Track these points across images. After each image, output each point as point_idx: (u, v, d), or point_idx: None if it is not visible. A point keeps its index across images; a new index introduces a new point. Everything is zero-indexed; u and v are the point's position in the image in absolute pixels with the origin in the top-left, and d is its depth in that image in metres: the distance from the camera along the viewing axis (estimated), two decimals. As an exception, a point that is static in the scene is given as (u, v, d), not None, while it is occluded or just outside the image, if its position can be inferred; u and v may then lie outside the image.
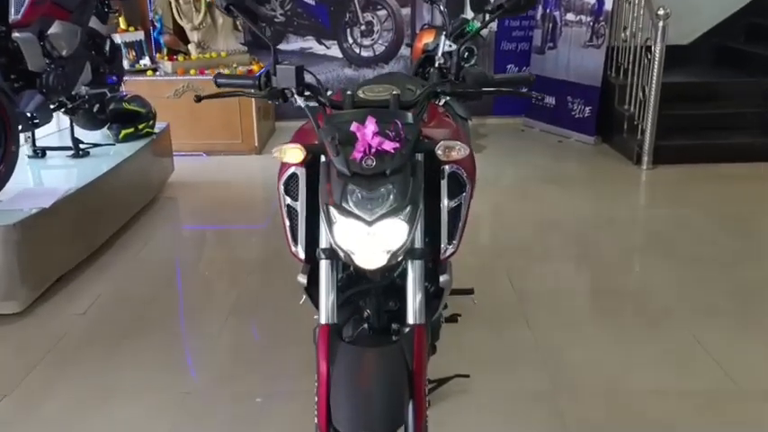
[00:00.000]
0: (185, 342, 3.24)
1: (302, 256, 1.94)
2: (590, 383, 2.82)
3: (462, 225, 1.93)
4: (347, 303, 1.95)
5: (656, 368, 2.93)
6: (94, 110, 4.63)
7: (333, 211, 1.70)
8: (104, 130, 4.82)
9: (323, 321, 1.79)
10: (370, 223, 1.66)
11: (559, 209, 4.89)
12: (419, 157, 1.82)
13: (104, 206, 4.19)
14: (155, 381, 2.89)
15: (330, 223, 1.71)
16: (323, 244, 1.82)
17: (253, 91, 1.96)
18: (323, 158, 1.81)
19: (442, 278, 1.95)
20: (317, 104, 1.93)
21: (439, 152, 1.77)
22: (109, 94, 4.60)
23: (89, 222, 4.01)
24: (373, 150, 1.68)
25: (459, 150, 1.77)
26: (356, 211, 1.67)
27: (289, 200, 1.94)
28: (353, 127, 1.69)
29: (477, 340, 3.09)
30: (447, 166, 1.86)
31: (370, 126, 1.68)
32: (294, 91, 1.89)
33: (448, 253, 1.92)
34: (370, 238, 1.68)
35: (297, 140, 1.94)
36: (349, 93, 1.91)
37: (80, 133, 4.60)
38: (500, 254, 4.11)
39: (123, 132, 4.76)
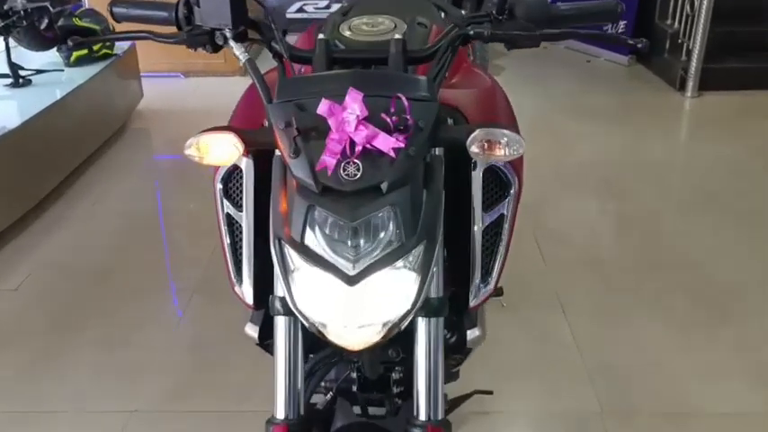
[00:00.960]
0: (136, 336, 2.58)
1: (249, 300, 1.26)
2: (648, 401, 2.21)
3: (505, 250, 1.24)
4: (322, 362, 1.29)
5: (733, 378, 2.30)
6: (41, 27, 3.85)
7: (289, 252, 1.01)
8: (54, 52, 4.05)
9: (278, 416, 1.13)
10: (352, 279, 0.98)
11: (589, 150, 4.17)
12: (437, 151, 1.10)
13: (50, 147, 3.56)
14: (93, 395, 2.30)
15: (285, 271, 1.02)
16: (279, 289, 1.13)
17: (167, 36, 1.25)
18: (277, 152, 1.10)
19: (469, 333, 1.28)
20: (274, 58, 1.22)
21: (474, 149, 1.05)
22: (53, 9, 3.81)
23: (30, 169, 3.36)
24: (358, 149, 0.97)
25: (510, 146, 1.05)
26: (328, 257, 0.99)
27: (229, 207, 1.25)
28: (322, 108, 0.97)
29: (501, 337, 2.43)
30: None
31: (354, 105, 0.97)
32: (228, 33, 1.17)
33: (482, 296, 1.24)
34: (353, 302, 0.99)
35: (240, 118, 1.23)
36: (322, 37, 1.19)
37: (21, 58, 3.87)
38: (522, 210, 3.40)
39: (75, 55, 4.02)
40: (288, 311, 1.10)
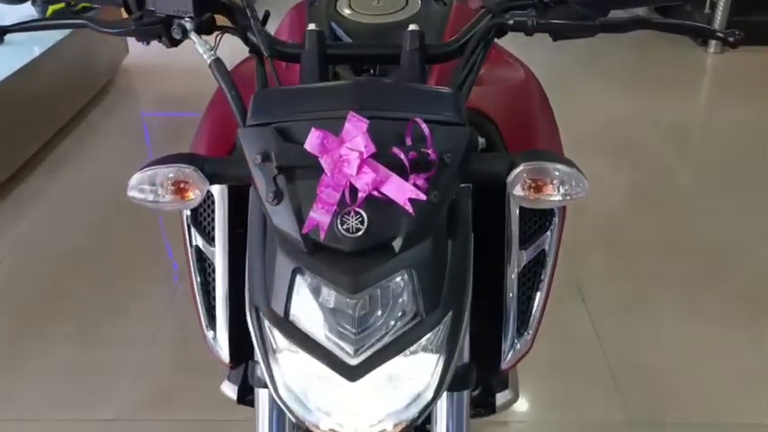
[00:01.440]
0: (115, 331, 2.35)
1: (225, 356, 1.02)
2: (680, 410, 1.99)
3: (545, 296, 0.99)
4: None
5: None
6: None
7: (269, 329, 0.76)
8: (29, 6, 3.72)
9: None
10: (354, 372, 0.74)
11: (606, 111, 3.88)
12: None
13: (25, 111, 3.28)
14: (66, 401, 2.07)
15: (265, 351, 0.78)
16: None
17: (110, 26, 0.99)
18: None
19: (499, 397, 1.04)
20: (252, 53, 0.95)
21: (518, 192, 0.79)
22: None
23: (2, 136, 3.08)
24: (362, 196, 0.71)
25: (566, 185, 0.78)
26: (322, 339, 0.75)
27: (198, 239, 1.00)
28: (312, 143, 0.71)
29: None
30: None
31: (357, 139, 0.71)
32: (189, 25, 0.92)
33: (516, 356, 1.00)
34: (354, 400, 0.75)
35: (205, 140, 0.98)
36: (313, 28, 0.92)
37: (-7, 12, 3.52)
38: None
39: (51, 9, 3.65)
40: None
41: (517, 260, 0.98)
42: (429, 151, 0.72)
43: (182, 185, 0.78)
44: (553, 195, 0.77)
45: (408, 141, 0.73)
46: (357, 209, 0.72)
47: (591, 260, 2.62)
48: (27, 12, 3.45)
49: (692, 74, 4.43)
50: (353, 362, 0.74)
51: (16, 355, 2.22)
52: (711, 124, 3.89)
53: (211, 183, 0.80)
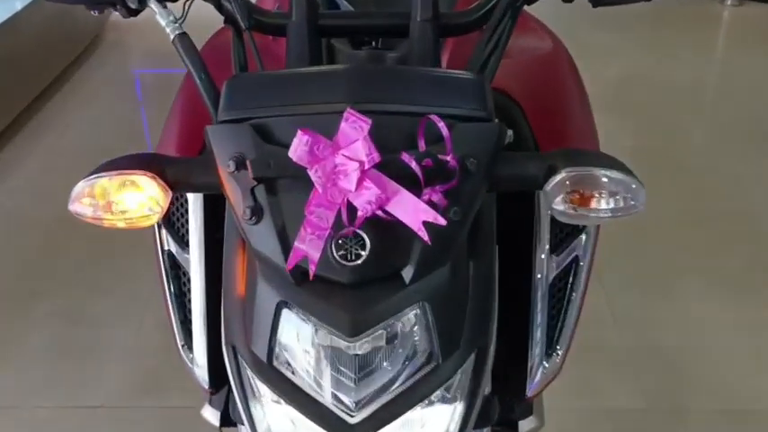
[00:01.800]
0: (101, 310, 2.22)
1: (204, 380, 0.88)
2: (702, 395, 1.87)
3: (578, 311, 0.85)
4: None
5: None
6: None
7: (251, 378, 0.62)
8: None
9: None
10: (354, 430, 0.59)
11: (618, 67, 3.73)
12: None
13: (5, 71, 3.10)
14: (50, 386, 1.94)
15: (245, 396, 0.64)
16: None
17: None
18: None
19: (523, 425, 0.91)
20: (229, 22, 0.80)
21: (559, 207, 0.63)
22: None
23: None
24: (362, 216, 0.56)
25: (619, 196, 0.63)
26: (313, 390, 0.61)
27: (171, 243, 0.85)
28: (298, 149, 0.56)
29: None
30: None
31: (356, 145, 0.55)
32: None
33: (544, 380, 0.86)
34: None
35: (173, 138, 0.83)
36: None
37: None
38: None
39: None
40: None
41: (547, 268, 0.83)
42: (448, 158, 0.57)
43: (138, 197, 0.63)
44: (602, 211, 0.62)
45: (421, 144, 0.58)
46: (356, 230, 0.57)
47: (604, 230, 2.47)
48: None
49: (708, 27, 4.26)
50: (354, 419, 0.60)
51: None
52: (729, 80, 3.71)
53: (175, 192, 0.65)
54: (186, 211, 0.85)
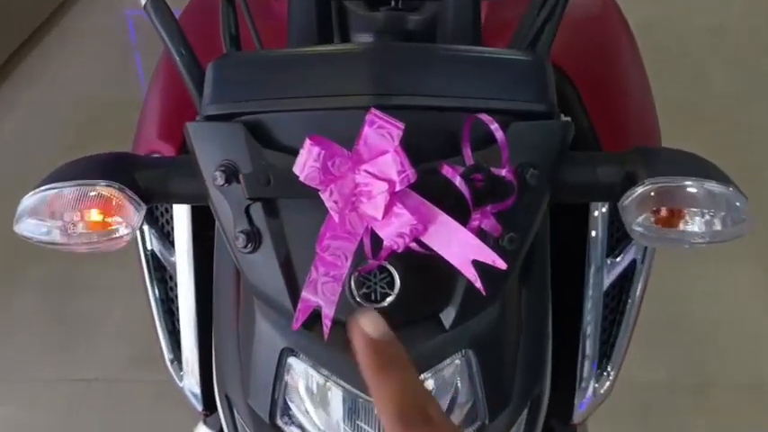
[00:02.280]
0: (93, 276, 2.10)
1: (197, 403, 0.76)
2: (728, 369, 1.79)
3: (633, 322, 0.72)
4: None
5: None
6: None
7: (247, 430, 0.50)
8: None
9: None
10: None
11: (636, 11, 3.45)
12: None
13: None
14: (41, 358, 1.86)
15: None
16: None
17: None
18: None
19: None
20: None
21: (639, 229, 0.50)
22: None
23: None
24: (390, 247, 0.42)
25: (712, 214, 0.50)
26: None
27: (155, 243, 0.72)
28: (305, 166, 0.42)
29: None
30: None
31: (386, 158, 0.41)
32: None
33: (596, 401, 0.74)
34: None
35: (150, 135, 0.69)
36: None
37: None
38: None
39: None
40: None
41: (602, 274, 0.70)
42: (503, 172, 0.44)
43: (101, 214, 0.49)
44: (697, 235, 0.48)
45: (467, 152, 0.44)
46: (383, 260, 0.44)
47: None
48: None
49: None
50: None
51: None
52: (755, 26, 3.51)
53: (149, 204, 0.51)
54: (171, 206, 0.72)
